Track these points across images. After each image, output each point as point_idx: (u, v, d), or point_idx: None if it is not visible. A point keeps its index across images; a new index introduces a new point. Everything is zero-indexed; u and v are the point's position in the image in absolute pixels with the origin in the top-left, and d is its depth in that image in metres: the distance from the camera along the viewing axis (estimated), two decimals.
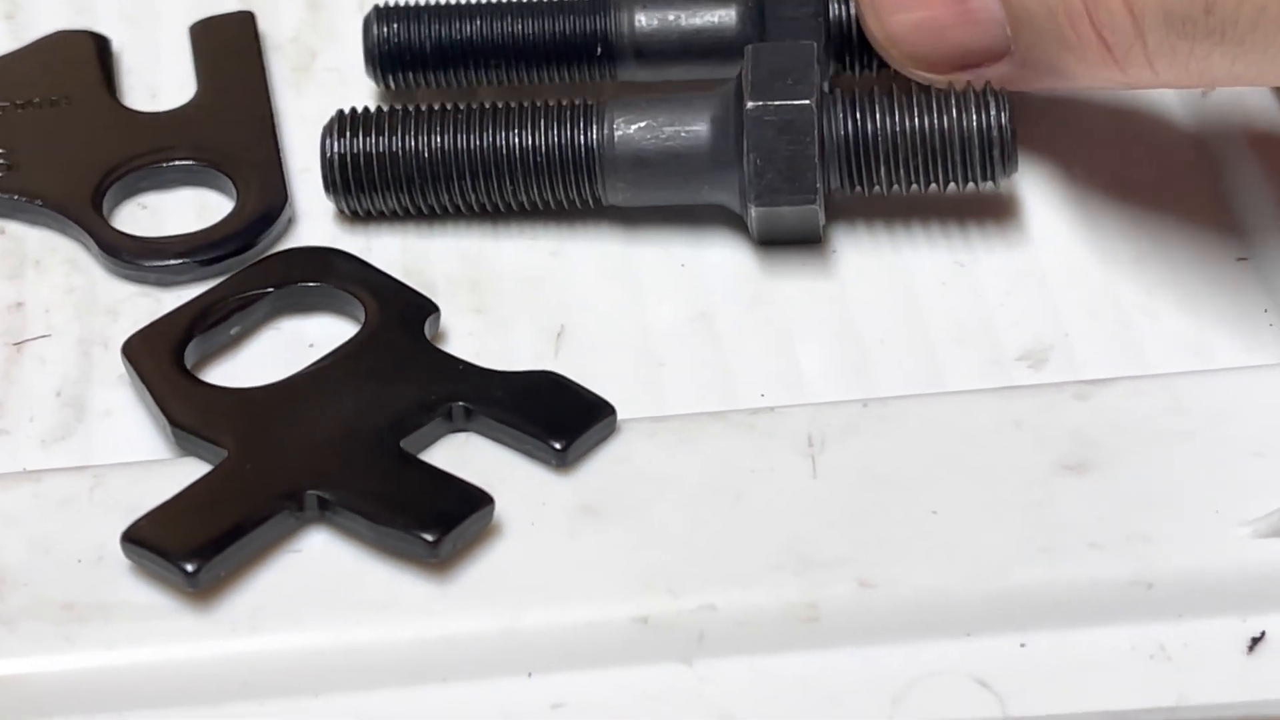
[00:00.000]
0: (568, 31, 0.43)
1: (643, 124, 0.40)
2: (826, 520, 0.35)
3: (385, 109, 0.41)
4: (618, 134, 0.40)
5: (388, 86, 0.44)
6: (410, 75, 0.44)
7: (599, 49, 0.43)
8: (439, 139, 0.41)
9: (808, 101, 0.39)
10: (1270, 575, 0.34)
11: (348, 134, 0.41)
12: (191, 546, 0.34)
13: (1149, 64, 0.35)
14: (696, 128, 0.40)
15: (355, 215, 0.42)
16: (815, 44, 0.40)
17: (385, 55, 0.44)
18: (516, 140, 0.40)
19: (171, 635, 0.34)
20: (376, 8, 0.44)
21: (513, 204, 0.41)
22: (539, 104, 0.41)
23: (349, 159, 0.41)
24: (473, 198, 0.41)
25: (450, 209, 0.41)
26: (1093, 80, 0.37)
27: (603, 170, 0.40)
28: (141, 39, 0.47)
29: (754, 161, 0.39)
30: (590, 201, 0.41)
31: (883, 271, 0.41)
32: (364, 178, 0.41)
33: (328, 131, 0.41)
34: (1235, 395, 0.37)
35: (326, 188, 0.41)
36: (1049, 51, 0.37)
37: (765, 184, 0.39)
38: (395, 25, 0.44)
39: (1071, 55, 0.37)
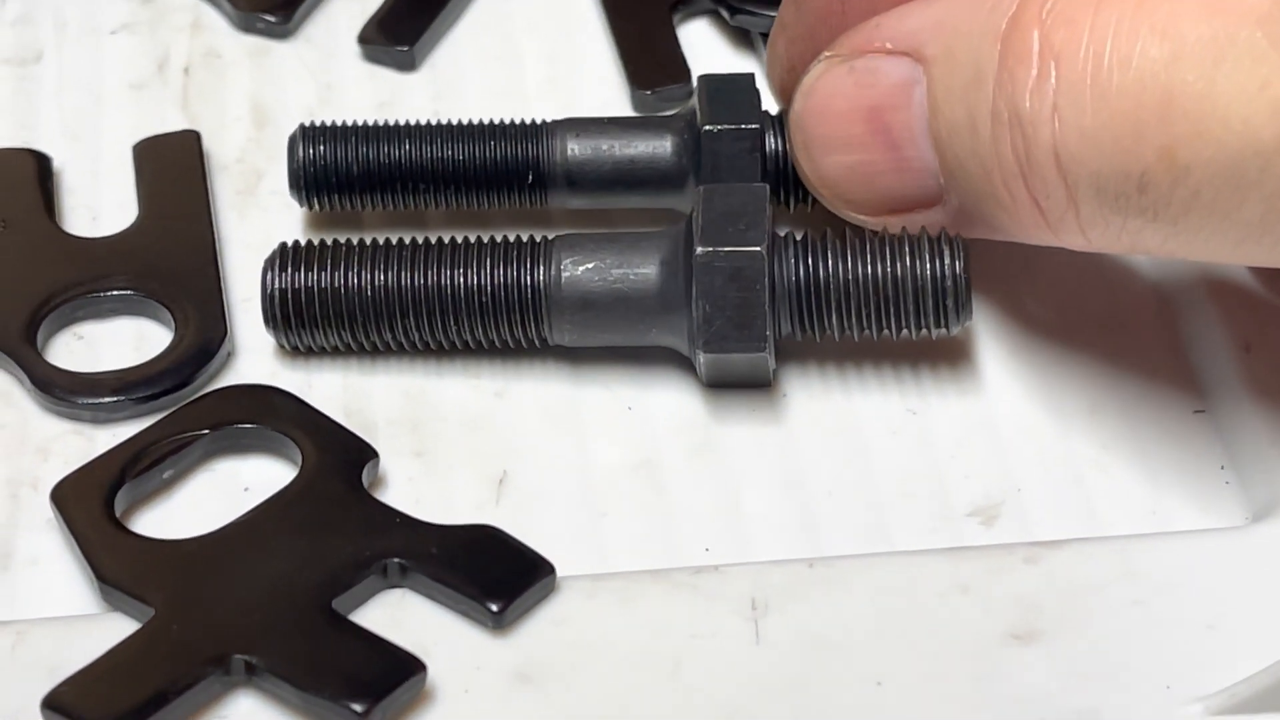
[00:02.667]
0: (499, 158, 0.43)
1: (590, 265, 0.39)
2: (768, 690, 0.34)
3: (329, 242, 0.40)
4: (564, 275, 0.39)
5: (311, 207, 0.43)
6: (336, 197, 0.43)
7: (530, 176, 0.43)
8: (382, 275, 0.40)
9: (759, 248, 0.38)
10: None
11: (289, 268, 0.40)
12: (113, 715, 0.33)
13: (1081, 231, 0.35)
14: (645, 270, 0.39)
15: (296, 350, 0.41)
16: (767, 187, 0.39)
17: (311, 176, 0.43)
18: (461, 279, 0.40)
19: None
20: (302, 126, 0.43)
21: (456, 343, 0.40)
22: (485, 240, 0.40)
23: (290, 294, 0.40)
24: (416, 336, 0.40)
25: (393, 346, 0.41)
26: (1025, 238, 0.37)
27: (549, 311, 0.39)
28: (83, 157, 0.46)
29: (703, 308, 0.38)
30: (536, 342, 0.40)
31: (833, 416, 0.40)
32: (305, 313, 0.40)
33: (269, 265, 0.40)
34: (1189, 561, 0.36)
35: (266, 323, 0.40)
36: (982, 206, 0.37)
37: (714, 330, 0.38)
38: (322, 147, 0.43)
39: (1005, 213, 0.36)
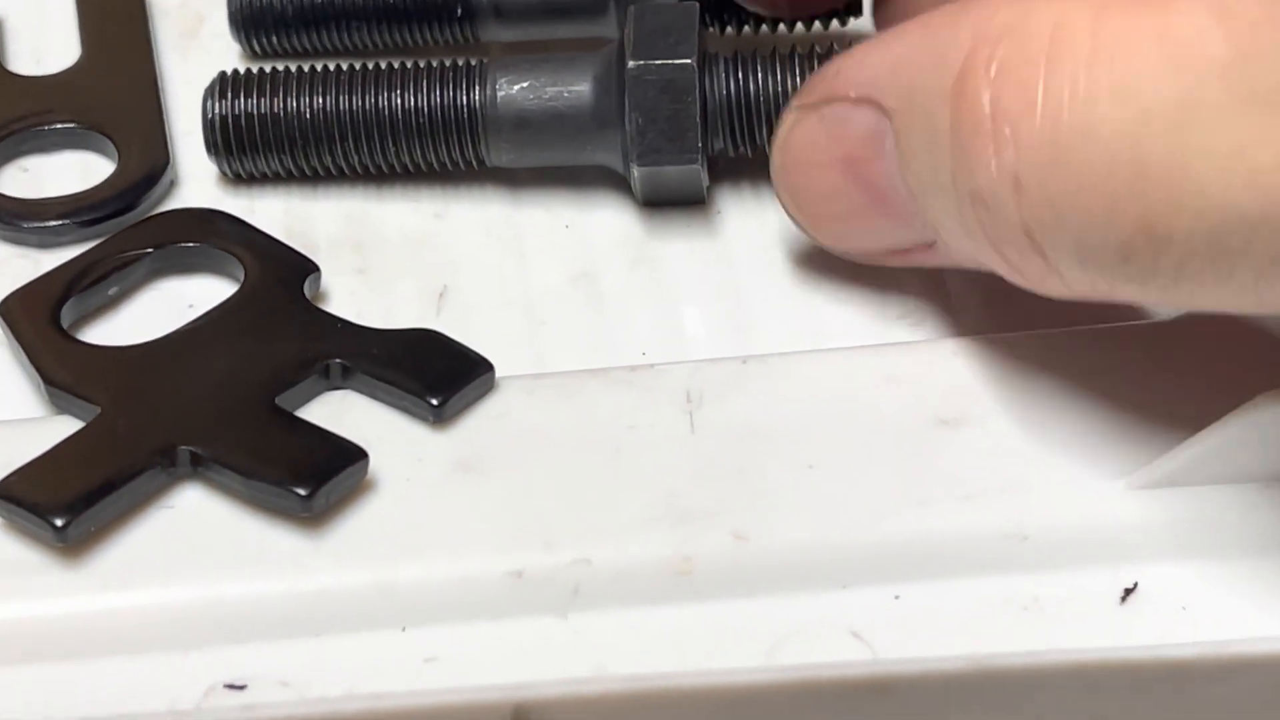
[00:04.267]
0: None
1: (525, 84, 0.40)
2: (703, 475, 0.35)
3: (268, 70, 0.41)
4: (500, 94, 0.40)
5: (252, 51, 0.44)
6: (274, 38, 0.44)
7: (459, 9, 0.43)
8: (321, 100, 0.40)
9: (689, 60, 0.39)
10: (1143, 528, 0.34)
11: (229, 95, 0.41)
12: (62, 502, 0.34)
13: (1070, 290, 0.33)
14: (579, 87, 0.40)
15: (238, 177, 0.42)
16: (697, 5, 0.40)
17: (249, 17, 0.44)
18: (399, 102, 0.40)
19: (41, 591, 0.34)
20: None
21: (396, 166, 0.41)
22: (422, 65, 0.41)
23: (230, 120, 0.41)
24: (355, 159, 0.41)
25: (334, 171, 0.41)
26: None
27: (485, 131, 0.40)
28: (27, 5, 0.47)
29: (636, 121, 0.39)
30: (474, 163, 0.41)
31: (767, 233, 0.41)
32: (245, 139, 0.41)
33: (209, 93, 0.41)
34: (1112, 352, 0.37)
35: (208, 149, 0.41)
36: (973, 260, 0.35)
37: (647, 144, 0.39)
38: None
39: (993, 266, 0.34)
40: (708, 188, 0.40)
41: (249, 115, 0.41)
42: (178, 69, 0.45)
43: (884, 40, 0.35)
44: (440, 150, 0.40)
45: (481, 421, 0.36)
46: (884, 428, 0.36)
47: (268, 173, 0.41)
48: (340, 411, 0.36)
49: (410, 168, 0.41)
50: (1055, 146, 0.30)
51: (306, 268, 0.39)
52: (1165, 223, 0.30)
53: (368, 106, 0.40)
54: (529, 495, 0.35)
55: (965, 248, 0.34)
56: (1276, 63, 0.29)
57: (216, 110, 0.41)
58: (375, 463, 0.35)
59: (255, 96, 0.41)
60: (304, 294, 0.38)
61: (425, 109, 0.40)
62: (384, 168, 0.41)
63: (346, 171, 0.41)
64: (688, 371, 0.37)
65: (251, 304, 0.38)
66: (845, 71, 0.35)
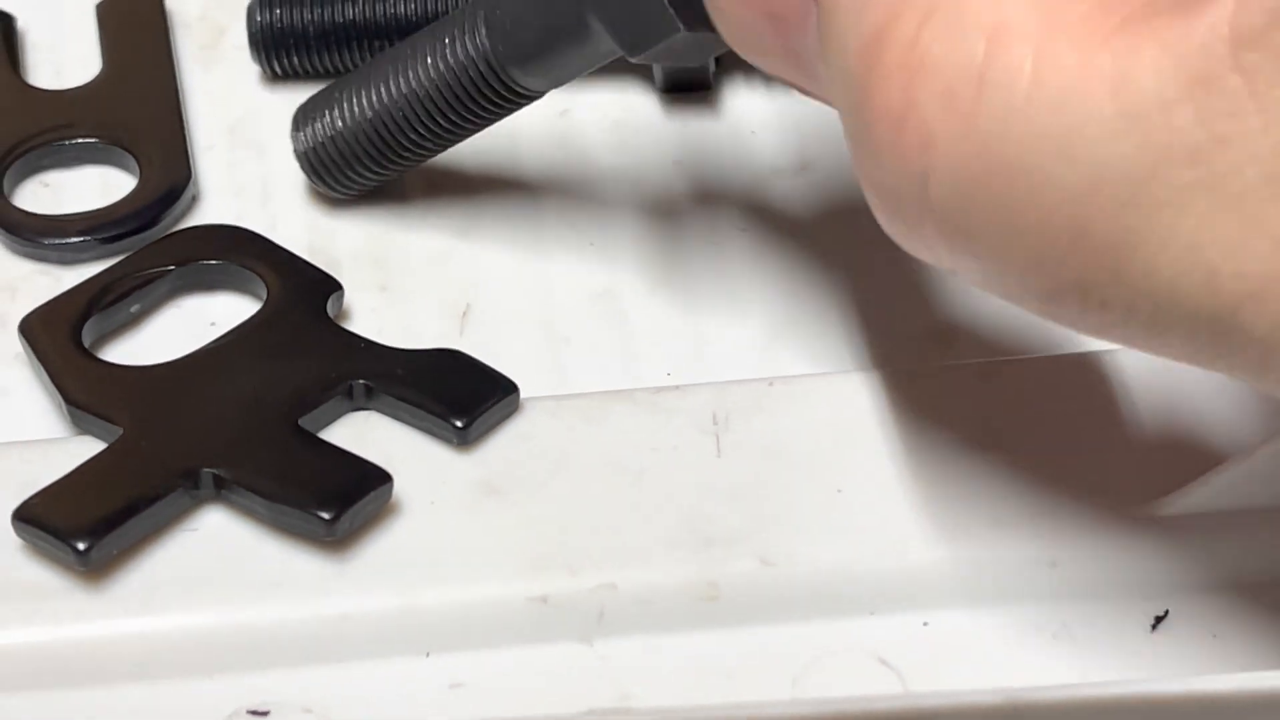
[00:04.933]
0: (451, 11, 0.43)
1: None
2: (729, 498, 0.35)
3: None
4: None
5: (273, 72, 0.44)
6: (296, 59, 0.44)
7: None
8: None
9: None
10: (1174, 556, 0.34)
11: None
12: (84, 525, 0.33)
13: (938, 264, 0.29)
14: None
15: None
16: None
17: (270, 40, 0.44)
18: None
19: (63, 615, 0.33)
20: None
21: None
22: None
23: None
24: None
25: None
26: None
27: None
28: (47, 16, 0.46)
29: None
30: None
31: (792, 253, 0.40)
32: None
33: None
34: (1138, 376, 0.37)
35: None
36: None
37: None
38: (279, 10, 0.43)
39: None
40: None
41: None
42: (199, 82, 0.45)
43: None
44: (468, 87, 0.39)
45: (506, 443, 0.36)
46: (912, 451, 0.35)
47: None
48: (364, 433, 0.36)
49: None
50: (979, 185, 0.26)
51: (329, 286, 0.38)
52: (1101, 291, 0.26)
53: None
54: (554, 519, 0.34)
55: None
56: (1257, 157, 0.25)
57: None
58: (399, 485, 0.35)
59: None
60: (327, 313, 0.38)
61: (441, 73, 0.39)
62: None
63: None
64: (713, 393, 0.37)
65: (274, 323, 0.38)
66: None
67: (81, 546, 0.33)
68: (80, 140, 0.42)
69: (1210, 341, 0.26)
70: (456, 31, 0.39)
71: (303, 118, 0.41)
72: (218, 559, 0.34)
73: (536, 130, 0.43)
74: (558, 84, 0.39)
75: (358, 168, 0.40)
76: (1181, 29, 0.25)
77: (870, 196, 0.28)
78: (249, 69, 0.45)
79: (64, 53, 0.46)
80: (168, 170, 0.41)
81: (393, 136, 0.40)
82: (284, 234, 0.40)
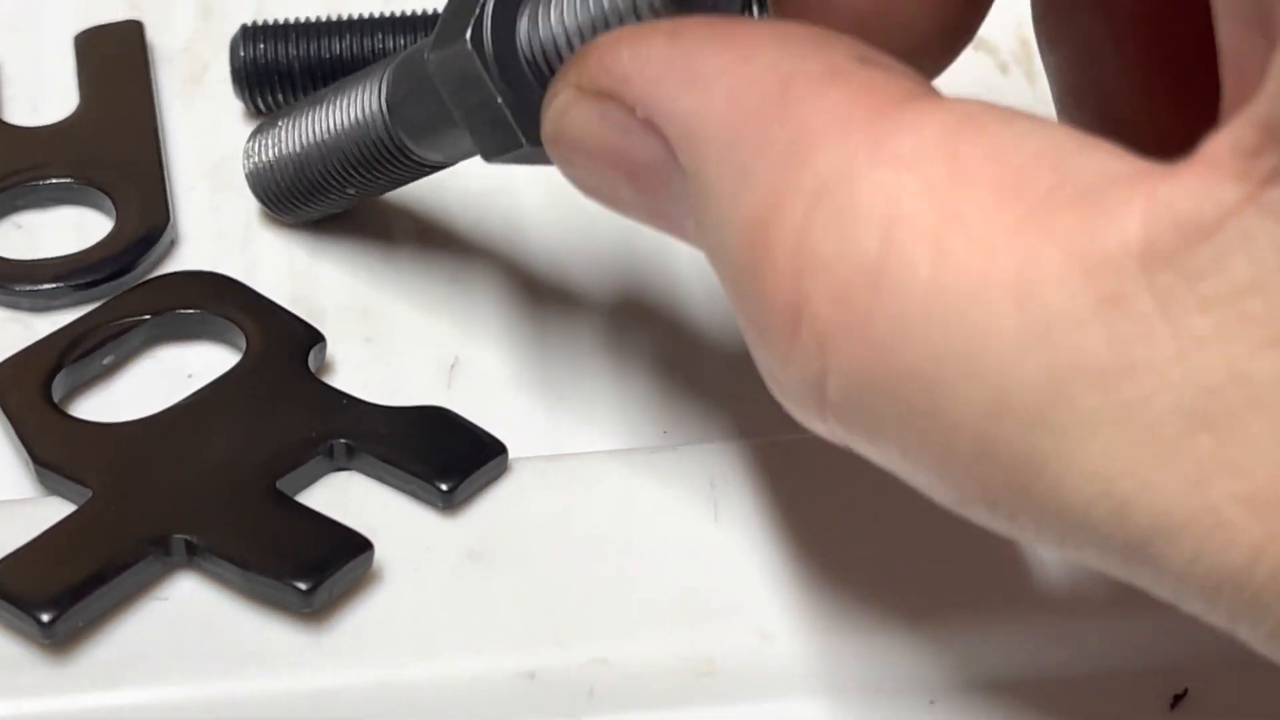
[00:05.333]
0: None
1: None
2: (727, 567, 0.33)
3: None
4: None
5: (255, 108, 0.42)
6: (280, 96, 0.42)
7: None
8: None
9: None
10: (1193, 631, 0.32)
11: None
12: (48, 595, 0.32)
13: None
14: None
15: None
16: None
17: (254, 77, 0.42)
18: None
19: (26, 689, 0.32)
20: (243, 27, 0.42)
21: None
22: None
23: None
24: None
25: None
26: None
27: None
28: (24, 48, 0.45)
29: None
30: None
31: None
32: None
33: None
34: None
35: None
36: None
37: None
38: (263, 46, 0.42)
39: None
40: None
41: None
42: (180, 119, 0.43)
43: (681, 67, 0.28)
44: None
45: (493, 507, 0.34)
46: (916, 518, 0.34)
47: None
48: (345, 495, 0.34)
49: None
50: (877, 393, 0.25)
51: (311, 337, 0.37)
52: (1009, 505, 0.24)
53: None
54: (543, 588, 0.33)
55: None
56: (1169, 386, 0.22)
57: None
58: (381, 551, 0.33)
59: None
60: (308, 366, 0.36)
61: None
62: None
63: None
64: (712, 454, 0.35)
65: (252, 378, 0.36)
66: (633, 82, 0.28)
67: (45, 618, 0.32)
68: (55, 181, 0.41)
69: (1124, 566, 0.24)
70: (369, 85, 0.37)
71: (252, 137, 0.40)
72: (189, 630, 0.32)
73: (530, 177, 0.41)
74: (452, 161, 0.37)
75: (295, 198, 0.39)
76: (1089, 235, 0.23)
77: (767, 382, 0.27)
78: (232, 105, 0.43)
79: (41, 87, 0.44)
80: (145, 213, 0.40)
81: (320, 175, 0.38)
82: (266, 280, 0.39)
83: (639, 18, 0.30)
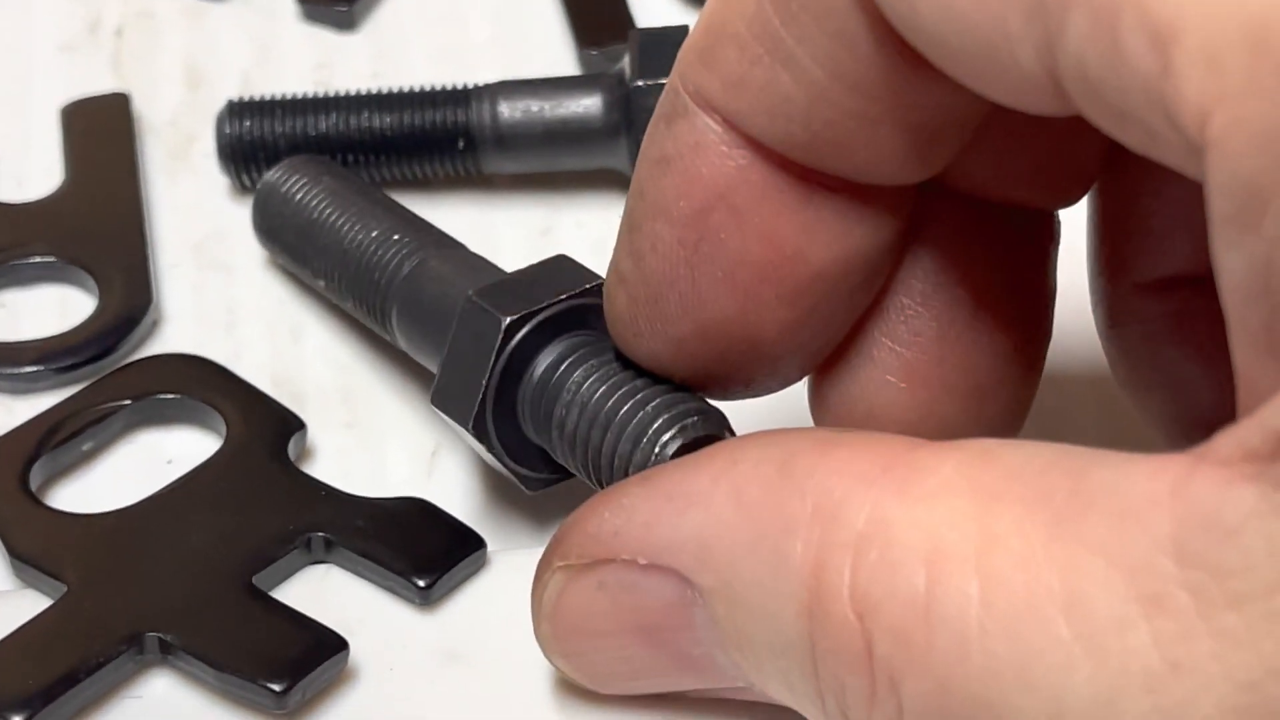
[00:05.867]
0: (428, 125, 0.42)
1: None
2: None
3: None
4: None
5: (241, 184, 0.42)
6: (265, 172, 0.42)
7: (461, 142, 0.41)
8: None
9: None
10: None
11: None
12: (20, 696, 0.32)
13: None
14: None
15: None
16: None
17: (239, 153, 0.42)
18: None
19: None
20: (229, 103, 0.42)
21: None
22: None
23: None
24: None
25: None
26: None
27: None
28: (11, 122, 0.45)
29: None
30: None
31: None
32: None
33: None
34: None
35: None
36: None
37: None
38: (249, 122, 0.42)
39: None
40: None
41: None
42: (165, 194, 0.43)
43: (673, 502, 0.29)
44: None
45: (471, 604, 0.34)
46: None
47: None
48: (322, 590, 0.34)
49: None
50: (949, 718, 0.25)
51: (291, 425, 0.37)
52: None
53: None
54: (521, 690, 0.33)
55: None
56: (1210, 685, 0.23)
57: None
58: (357, 648, 0.33)
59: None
60: (288, 454, 0.36)
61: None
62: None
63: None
64: None
65: (231, 467, 0.36)
66: (625, 533, 0.29)
67: None
68: (38, 259, 0.41)
69: None
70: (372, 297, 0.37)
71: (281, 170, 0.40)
72: None
73: (518, 250, 0.41)
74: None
75: (287, 250, 0.40)
76: (1125, 540, 0.23)
77: None
78: (218, 180, 0.43)
79: (27, 159, 0.44)
80: (128, 293, 0.40)
81: (312, 261, 0.39)
82: (248, 363, 0.39)
83: (626, 473, 0.31)
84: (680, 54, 0.29)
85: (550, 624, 0.30)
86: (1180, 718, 0.23)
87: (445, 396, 0.33)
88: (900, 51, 0.26)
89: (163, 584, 0.33)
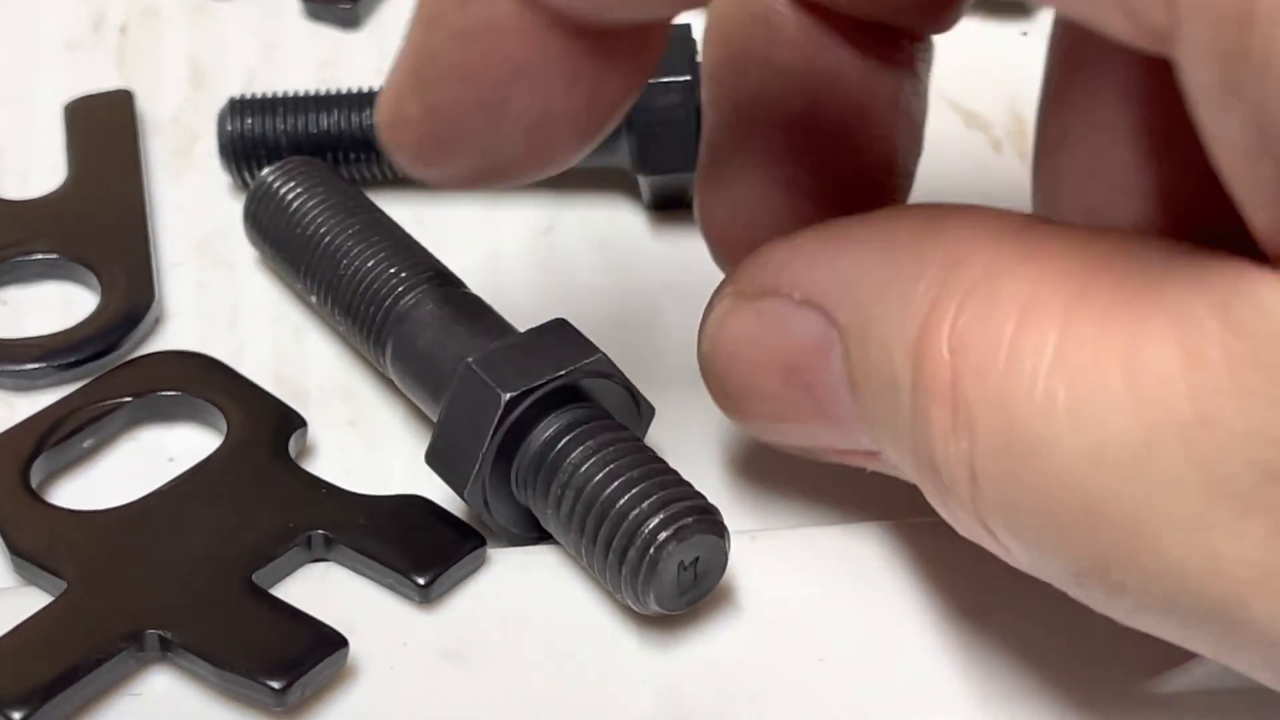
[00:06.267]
0: None
1: None
2: (707, 667, 0.33)
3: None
4: None
5: (243, 182, 0.42)
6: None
7: None
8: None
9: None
10: None
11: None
12: (20, 693, 0.32)
13: (1024, 569, 0.29)
14: None
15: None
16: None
17: (240, 150, 0.42)
18: None
19: None
20: (231, 100, 0.42)
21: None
22: None
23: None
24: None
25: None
26: None
27: None
28: (15, 119, 0.45)
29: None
30: None
31: None
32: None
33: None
34: None
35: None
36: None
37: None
38: (250, 120, 0.42)
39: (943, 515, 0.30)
40: None
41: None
42: (168, 192, 0.43)
43: (834, 242, 0.31)
44: None
45: (471, 601, 0.34)
46: (900, 614, 0.34)
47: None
48: (321, 588, 0.34)
49: None
50: (1009, 456, 0.27)
51: (292, 423, 0.37)
52: (1119, 571, 0.26)
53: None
54: (521, 688, 0.33)
55: (914, 480, 0.30)
56: (1237, 439, 0.25)
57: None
58: (356, 646, 0.33)
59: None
60: (288, 451, 0.36)
61: None
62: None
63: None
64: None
65: (233, 464, 0.36)
66: (790, 268, 0.31)
67: (18, 717, 0.31)
68: (40, 256, 0.41)
69: (1224, 633, 0.26)
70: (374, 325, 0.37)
71: (275, 171, 0.40)
72: None
73: (519, 249, 0.41)
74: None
75: (275, 253, 0.40)
76: (1184, 300, 0.25)
77: (927, 484, 0.29)
78: (221, 178, 0.43)
79: (30, 156, 0.44)
80: (131, 291, 0.40)
81: (302, 273, 0.39)
82: (251, 360, 0.39)
83: (620, 564, 0.33)
84: None
85: (711, 344, 0.33)
86: (1211, 469, 0.25)
87: (442, 461, 0.34)
88: None
89: (163, 581, 0.33)
